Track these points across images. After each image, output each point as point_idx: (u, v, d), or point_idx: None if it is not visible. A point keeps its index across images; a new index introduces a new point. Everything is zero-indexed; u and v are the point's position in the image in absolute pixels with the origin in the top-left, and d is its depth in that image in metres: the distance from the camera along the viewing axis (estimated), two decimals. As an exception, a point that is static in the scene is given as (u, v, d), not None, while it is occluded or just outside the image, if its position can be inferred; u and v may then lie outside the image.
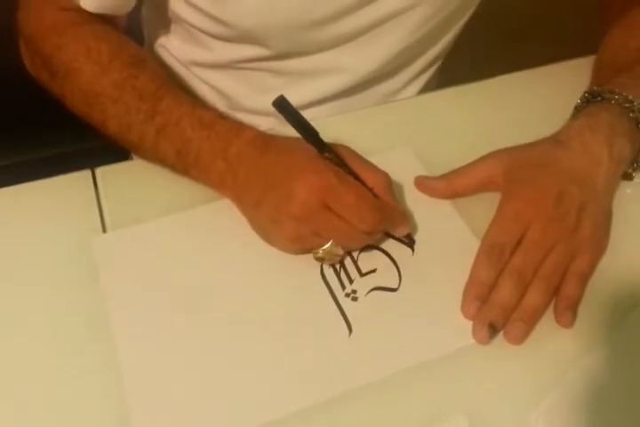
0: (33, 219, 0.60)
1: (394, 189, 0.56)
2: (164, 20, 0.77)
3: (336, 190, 0.51)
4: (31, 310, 0.53)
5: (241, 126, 0.57)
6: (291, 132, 0.53)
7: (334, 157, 0.53)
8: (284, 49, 0.71)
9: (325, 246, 0.53)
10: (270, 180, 0.53)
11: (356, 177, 0.54)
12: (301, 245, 0.54)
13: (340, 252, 0.54)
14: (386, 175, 0.55)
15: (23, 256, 0.57)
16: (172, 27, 0.78)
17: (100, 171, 0.63)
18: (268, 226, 0.54)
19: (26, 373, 0.50)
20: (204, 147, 0.56)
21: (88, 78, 0.61)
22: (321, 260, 0.54)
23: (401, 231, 0.56)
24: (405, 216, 0.56)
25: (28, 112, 0.92)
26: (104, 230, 0.58)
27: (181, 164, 0.58)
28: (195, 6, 0.69)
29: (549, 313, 0.53)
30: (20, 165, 0.92)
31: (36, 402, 0.48)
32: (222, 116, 0.58)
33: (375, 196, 0.54)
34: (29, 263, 0.56)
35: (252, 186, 0.54)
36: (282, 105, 0.51)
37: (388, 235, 0.58)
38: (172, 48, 0.80)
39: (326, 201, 0.50)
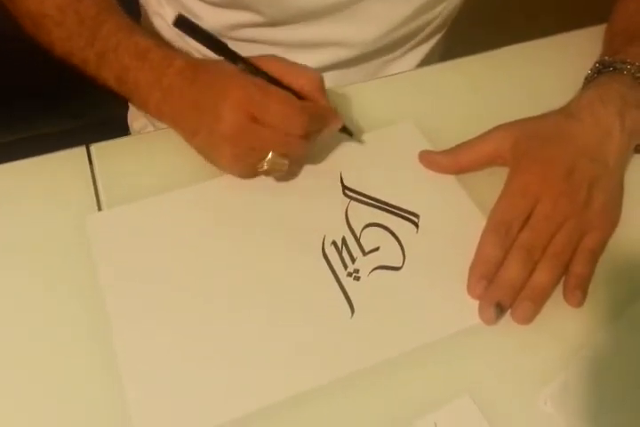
0: (27, 196, 0.58)
1: (401, 162, 0.56)
2: None
3: (259, 101, 0.51)
4: (24, 287, 0.52)
5: (173, 56, 0.56)
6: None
7: (249, 66, 0.53)
8: (275, 16, 0.68)
9: (267, 158, 0.53)
10: (201, 107, 0.53)
11: (280, 82, 0.54)
12: (243, 162, 0.54)
13: (285, 161, 0.53)
14: (314, 73, 0.55)
15: (17, 234, 0.55)
16: None
17: (94, 147, 0.61)
18: (209, 151, 0.55)
19: (19, 348, 0.49)
20: (139, 77, 0.57)
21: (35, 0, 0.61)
22: (267, 173, 0.55)
23: (334, 127, 0.56)
24: (335, 111, 0.56)
25: (23, 91, 0.90)
26: (99, 208, 0.57)
27: (123, 91, 0.59)
28: None
29: (558, 292, 0.51)
30: (15, 142, 0.91)
31: (27, 377, 0.48)
32: (158, 44, 0.58)
33: (304, 96, 0.54)
34: (23, 241, 0.55)
35: (186, 115, 0.55)
36: (184, 24, 0.51)
37: (391, 211, 0.56)
38: (166, 16, 0.78)
39: (253, 114, 0.51)
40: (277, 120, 0.51)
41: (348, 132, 0.59)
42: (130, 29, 0.58)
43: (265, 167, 0.53)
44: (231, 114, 0.51)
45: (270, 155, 0.53)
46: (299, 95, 0.54)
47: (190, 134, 0.56)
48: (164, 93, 0.55)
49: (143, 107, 0.58)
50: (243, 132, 0.51)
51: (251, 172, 0.56)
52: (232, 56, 0.54)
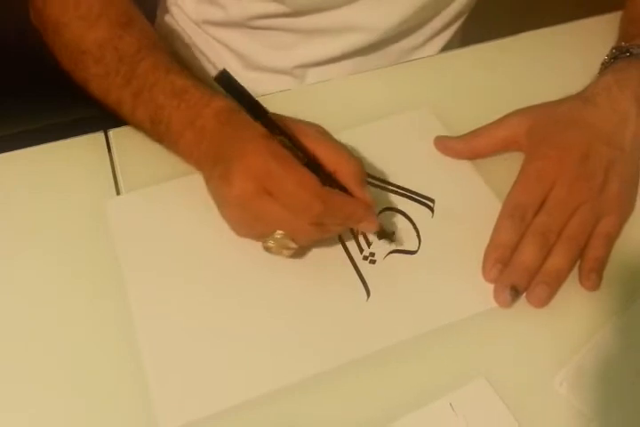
0: (46, 181, 0.59)
1: (411, 157, 0.55)
2: None
3: (274, 175, 0.46)
4: (45, 271, 0.53)
5: (211, 96, 0.53)
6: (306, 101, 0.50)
7: (284, 138, 0.48)
8: (299, 5, 0.68)
9: (274, 235, 0.48)
10: (219, 156, 0.50)
11: (314, 160, 0.48)
12: (246, 230, 0.51)
13: (292, 244, 0.49)
14: (354, 161, 0.49)
15: (37, 219, 0.56)
16: None
17: (113, 133, 0.62)
18: (217, 204, 0.51)
19: (39, 333, 0.50)
20: (173, 116, 0.54)
21: (74, 34, 0.59)
22: (269, 250, 0.49)
23: (365, 228, 0.50)
24: (371, 210, 0.49)
25: (40, 79, 0.90)
26: (118, 193, 0.58)
27: (155, 132, 0.56)
28: None
29: (573, 275, 0.51)
30: (34, 131, 0.91)
31: (49, 361, 0.48)
32: (195, 84, 0.55)
33: (336, 182, 0.48)
34: (43, 226, 0.55)
35: (207, 160, 0.52)
36: (225, 80, 0.46)
37: (406, 196, 0.57)
38: (186, 7, 0.78)
39: (265, 186, 0.47)
40: (288, 201, 0.46)
41: (387, 236, 0.53)
42: (167, 68, 0.56)
43: (269, 244, 0.49)
44: (241, 181, 0.47)
45: (277, 233, 0.48)
46: (331, 179, 0.49)
47: (205, 180, 0.52)
48: (195, 134, 0.52)
49: (173, 147, 0.55)
50: (249, 202, 0.47)
51: (254, 238, 0.52)
52: (271, 126, 0.47)
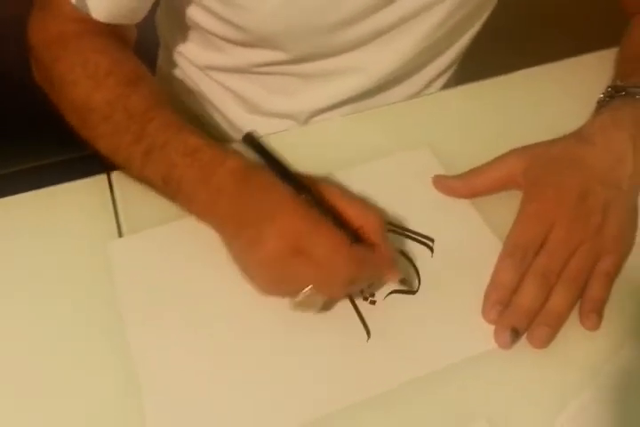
0: (49, 224, 0.59)
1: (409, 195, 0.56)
2: (180, 26, 0.76)
3: (308, 236, 0.47)
4: (46, 312, 0.53)
5: (225, 155, 0.52)
6: (306, 140, 0.50)
7: (312, 198, 0.49)
8: (303, 52, 0.69)
9: (305, 290, 0.48)
10: (243, 218, 0.50)
11: (340, 217, 0.50)
12: (277, 289, 0.50)
13: (320, 300, 0.50)
14: (376, 215, 0.51)
15: (39, 261, 0.56)
16: (188, 32, 0.77)
17: (115, 174, 0.62)
18: (240, 265, 0.51)
19: (39, 373, 0.50)
20: (186, 175, 0.53)
21: (81, 92, 0.59)
22: (298, 306, 0.50)
23: (389, 279, 0.52)
24: (393, 262, 0.51)
25: (42, 116, 0.91)
26: (120, 234, 0.58)
27: (167, 191, 0.55)
28: (212, 12, 0.68)
29: (574, 316, 0.52)
30: (35, 169, 0.91)
31: (47, 405, 0.48)
32: (208, 143, 0.54)
33: (360, 237, 0.50)
34: (45, 268, 0.56)
35: (227, 222, 0.51)
36: (251, 141, 0.46)
37: (406, 235, 0.57)
38: (189, 53, 0.79)
39: (297, 247, 0.47)
40: (322, 261, 0.47)
41: (407, 287, 0.53)
42: (179, 127, 0.55)
43: (299, 298, 0.48)
44: (273, 241, 0.47)
45: (309, 288, 0.48)
46: (357, 235, 0.50)
47: (226, 242, 0.52)
48: (209, 195, 0.52)
49: (186, 206, 0.54)
50: (281, 262, 0.47)
51: (278, 296, 0.51)
52: (298, 186, 0.49)
